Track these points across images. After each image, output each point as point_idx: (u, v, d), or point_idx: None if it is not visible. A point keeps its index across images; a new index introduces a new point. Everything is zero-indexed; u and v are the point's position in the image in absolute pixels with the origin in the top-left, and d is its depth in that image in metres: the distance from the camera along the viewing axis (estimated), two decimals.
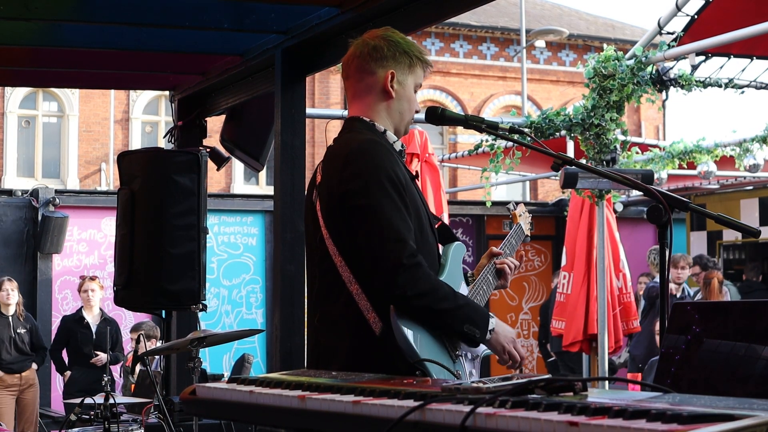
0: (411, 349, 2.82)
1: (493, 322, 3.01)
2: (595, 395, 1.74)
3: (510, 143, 9.14)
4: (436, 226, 3.27)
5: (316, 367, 3.02)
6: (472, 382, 1.83)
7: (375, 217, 2.87)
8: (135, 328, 9.60)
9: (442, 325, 2.91)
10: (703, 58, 9.07)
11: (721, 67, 9.30)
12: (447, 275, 3.11)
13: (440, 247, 3.23)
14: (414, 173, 3.20)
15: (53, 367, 10.19)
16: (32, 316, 9.93)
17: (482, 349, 3.17)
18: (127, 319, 11.37)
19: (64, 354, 9.81)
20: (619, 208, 12.41)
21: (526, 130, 9.51)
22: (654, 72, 8.68)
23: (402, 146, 3.21)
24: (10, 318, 9.37)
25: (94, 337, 9.68)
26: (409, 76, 3.16)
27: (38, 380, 9.63)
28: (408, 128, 3.25)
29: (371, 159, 2.95)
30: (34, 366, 9.50)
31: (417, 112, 3.25)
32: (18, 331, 9.37)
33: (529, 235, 3.80)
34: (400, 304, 2.86)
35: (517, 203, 3.86)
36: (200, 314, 6.41)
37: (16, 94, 22.28)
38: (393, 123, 3.17)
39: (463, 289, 3.19)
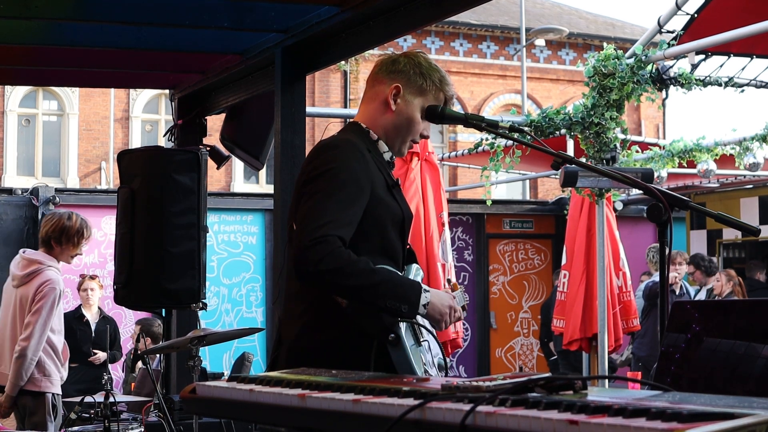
0: (376, 317, 2.91)
1: (428, 296, 2.97)
2: (595, 394, 1.74)
3: (510, 142, 9.15)
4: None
5: (277, 347, 3.09)
6: (472, 380, 1.83)
7: (313, 203, 2.92)
8: (140, 322, 9.60)
9: (363, 302, 2.91)
10: (702, 56, 9.06)
11: (721, 66, 9.29)
12: None
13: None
14: (396, 180, 3.22)
15: None
16: None
17: (438, 352, 3.19)
18: (127, 317, 11.38)
19: None
20: (619, 206, 12.41)
21: (526, 128, 9.49)
22: (654, 71, 8.67)
23: (391, 158, 3.23)
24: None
25: (93, 335, 9.70)
26: (417, 98, 3.16)
27: None
28: (404, 151, 3.26)
29: (337, 154, 3.00)
30: None
31: (424, 137, 3.25)
32: None
33: (466, 306, 3.74)
34: (311, 283, 2.91)
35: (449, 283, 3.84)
36: (200, 313, 6.41)
37: (16, 93, 22.28)
38: (388, 136, 3.19)
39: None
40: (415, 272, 3.25)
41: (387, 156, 3.20)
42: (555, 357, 11.78)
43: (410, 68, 3.16)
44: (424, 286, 3.00)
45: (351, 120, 3.26)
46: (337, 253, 2.83)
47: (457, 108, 3.30)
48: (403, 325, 2.96)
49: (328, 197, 2.91)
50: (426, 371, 3.00)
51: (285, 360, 2.96)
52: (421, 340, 3.04)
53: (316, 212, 2.89)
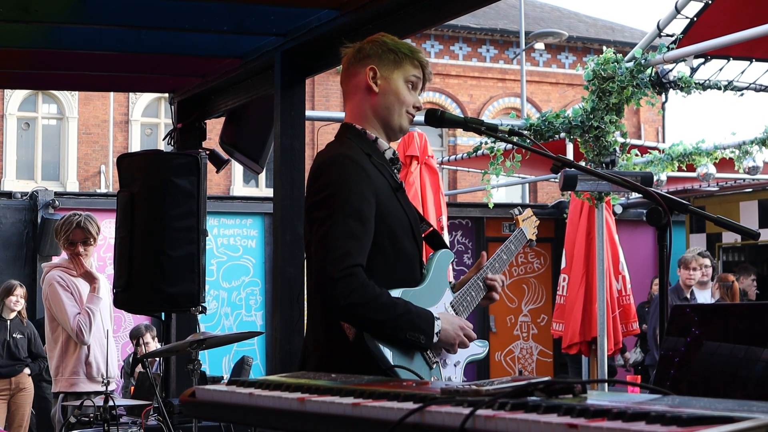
0: (382, 355, 2.87)
1: (439, 323, 2.99)
2: (595, 397, 1.74)
3: (510, 145, 9.15)
4: (426, 234, 3.29)
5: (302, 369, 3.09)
6: (471, 384, 1.83)
7: (324, 231, 2.91)
8: (134, 334, 9.58)
9: (384, 334, 2.90)
10: (702, 60, 9.07)
11: (721, 69, 9.30)
12: (428, 283, 3.13)
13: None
14: (400, 182, 3.21)
15: None
16: (32, 323, 9.87)
17: (465, 354, 3.19)
18: (126, 321, 11.37)
19: None
20: (619, 210, 12.42)
21: (525, 132, 9.50)
22: (653, 74, 8.68)
23: (394, 153, 3.22)
24: (9, 322, 9.35)
25: None
26: (395, 71, 3.15)
27: (34, 384, 9.55)
28: (406, 127, 3.22)
29: (337, 174, 2.97)
30: (27, 371, 9.42)
31: (417, 108, 3.22)
32: (14, 335, 9.34)
33: (534, 239, 3.77)
34: (337, 315, 2.92)
35: (523, 208, 3.83)
36: (200, 316, 6.41)
37: (15, 97, 22.28)
38: (382, 122, 3.17)
39: (448, 296, 3.21)
40: (442, 256, 3.24)
41: (389, 153, 3.18)
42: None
43: (377, 48, 3.17)
44: (435, 314, 3.00)
45: (343, 123, 3.22)
46: (363, 286, 2.85)
47: (456, 112, 3.29)
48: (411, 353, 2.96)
49: (341, 223, 2.89)
50: None
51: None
52: (432, 362, 3.03)
53: (333, 240, 2.88)
